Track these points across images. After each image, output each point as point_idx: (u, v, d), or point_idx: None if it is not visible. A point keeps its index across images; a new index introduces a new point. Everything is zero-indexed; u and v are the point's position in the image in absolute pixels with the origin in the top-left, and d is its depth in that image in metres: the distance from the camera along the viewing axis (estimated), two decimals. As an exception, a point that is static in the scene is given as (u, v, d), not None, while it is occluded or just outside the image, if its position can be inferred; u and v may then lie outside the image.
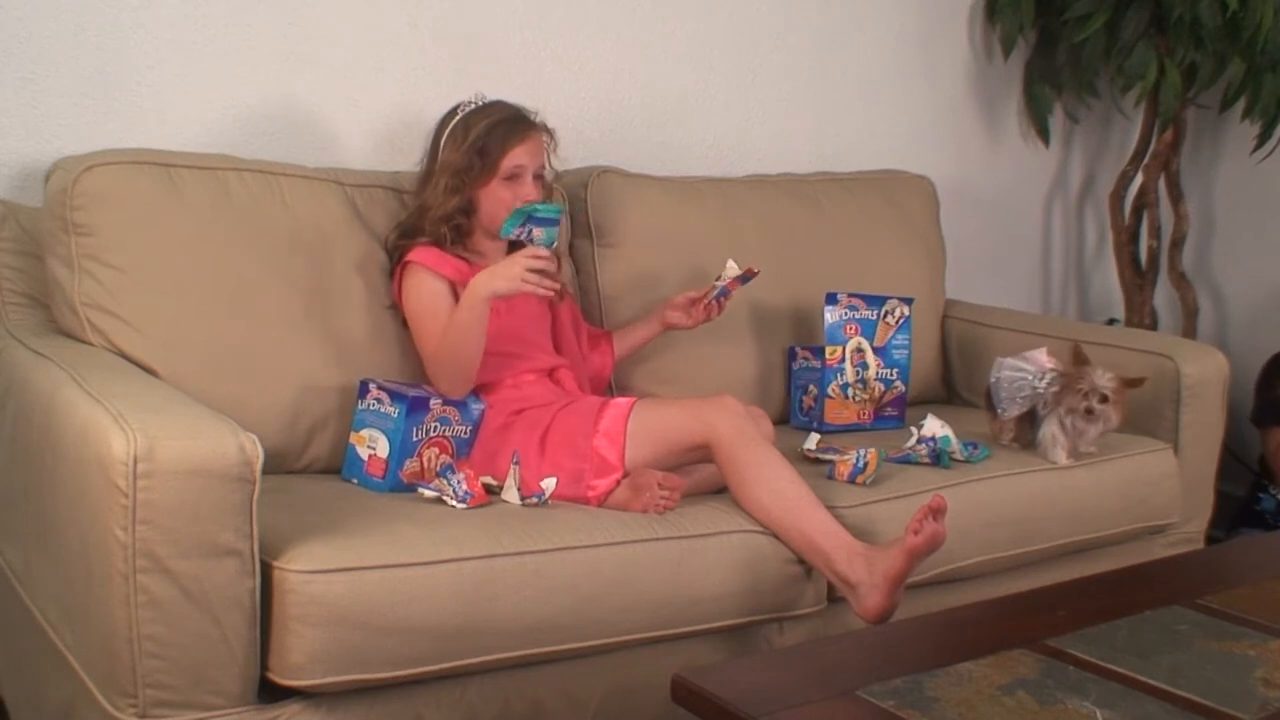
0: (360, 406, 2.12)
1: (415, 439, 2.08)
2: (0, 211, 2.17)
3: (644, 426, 2.09)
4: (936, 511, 1.91)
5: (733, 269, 2.36)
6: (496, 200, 2.23)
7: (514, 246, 2.19)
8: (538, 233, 2.09)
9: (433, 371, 2.18)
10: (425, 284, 2.20)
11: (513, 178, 2.23)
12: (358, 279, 2.26)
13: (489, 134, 2.23)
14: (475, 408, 2.16)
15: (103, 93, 2.30)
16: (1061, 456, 2.38)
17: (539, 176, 2.28)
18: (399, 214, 2.36)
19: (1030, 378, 2.41)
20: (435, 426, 2.10)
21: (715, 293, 2.38)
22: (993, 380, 2.46)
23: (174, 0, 2.35)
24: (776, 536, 2.03)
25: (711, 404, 2.10)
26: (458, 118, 2.27)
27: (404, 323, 2.26)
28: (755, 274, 2.37)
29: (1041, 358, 2.44)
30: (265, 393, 2.11)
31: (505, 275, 2.06)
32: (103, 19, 2.29)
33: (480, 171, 2.22)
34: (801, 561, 2.05)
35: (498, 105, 2.28)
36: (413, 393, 2.08)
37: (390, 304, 2.28)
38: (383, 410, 2.08)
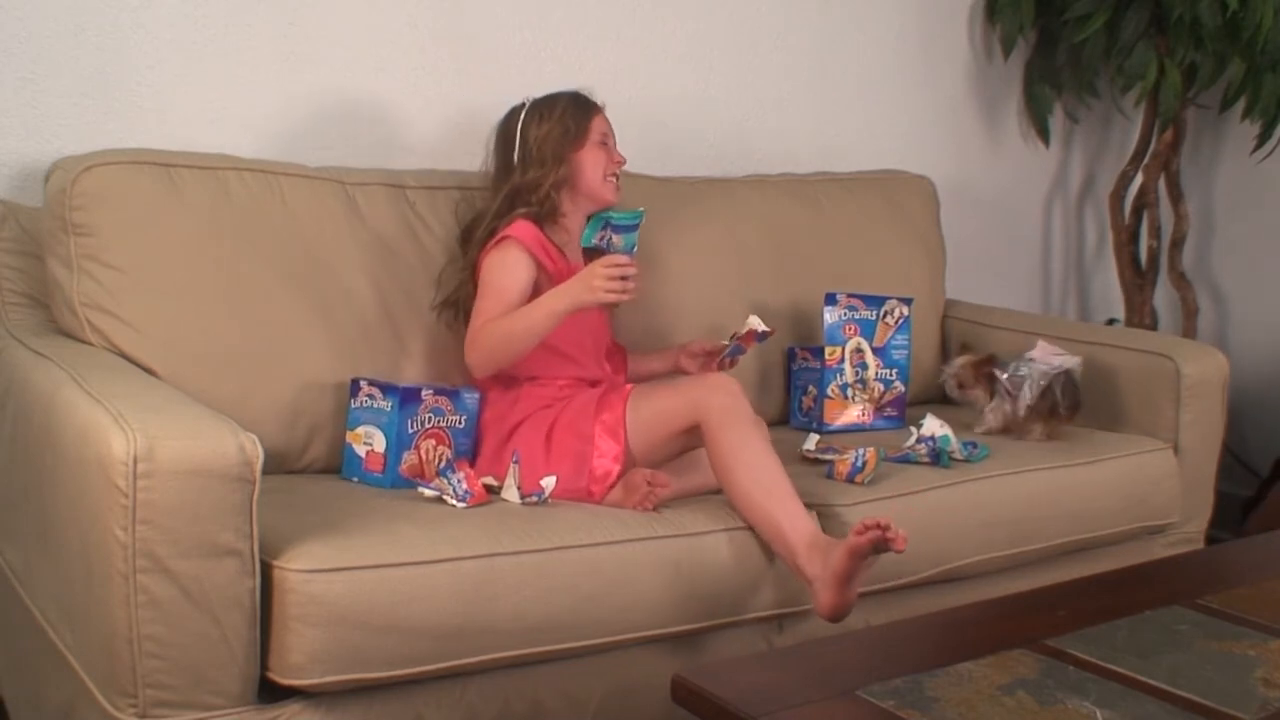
0: (354, 405, 2.13)
1: (411, 430, 2.09)
2: (0, 211, 2.17)
3: (640, 416, 2.08)
4: (882, 527, 1.83)
5: (753, 322, 2.31)
6: (594, 161, 2.25)
7: (590, 254, 2.19)
8: (616, 239, 2.08)
9: (472, 341, 2.16)
10: (512, 260, 2.17)
11: (602, 144, 2.27)
12: (358, 278, 2.26)
13: (570, 108, 2.27)
14: (469, 398, 2.16)
15: (103, 93, 2.30)
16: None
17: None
18: (401, 212, 2.35)
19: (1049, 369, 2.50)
20: (429, 418, 2.10)
21: (729, 350, 2.35)
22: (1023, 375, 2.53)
23: (174, 0, 2.35)
24: (746, 519, 2.01)
25: (703, 382, 2.10)
26: (529, 105, 2.29)
27: (469, 304, 2.24)
28: (771, 334, 2.33)
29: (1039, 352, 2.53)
30: (265, 393, 2.11)
31: (586, 286, 2.04)
32: (103, 19, 2.29)
33: (575, 135, 2.25)
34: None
35: (556, 93, 2.31)
36: (404, 385, 2.10)
37: (442, 301, 2.27)
38: (376, 405, 2.09)
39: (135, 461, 1.54)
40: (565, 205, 2.26)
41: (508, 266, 2.18)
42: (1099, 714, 1.37)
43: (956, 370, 2.62)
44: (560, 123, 2.25)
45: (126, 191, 2.08)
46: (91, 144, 2.22)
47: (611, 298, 2.04)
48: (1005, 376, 2.52)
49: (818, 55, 3.15)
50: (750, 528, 2.02)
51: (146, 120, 2.34)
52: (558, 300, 2.08)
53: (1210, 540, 2.74)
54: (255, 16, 2.43)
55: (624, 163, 2.30)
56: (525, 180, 2.24)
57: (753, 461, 2.02)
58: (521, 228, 2.20)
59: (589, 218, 2.24)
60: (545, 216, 2.23)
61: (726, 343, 2.34)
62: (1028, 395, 2.50)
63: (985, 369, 2.57)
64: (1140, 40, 3.15)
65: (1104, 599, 1.74)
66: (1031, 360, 2.52)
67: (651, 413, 2.09)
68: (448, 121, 2.58)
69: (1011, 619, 1.68)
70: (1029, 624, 1.62)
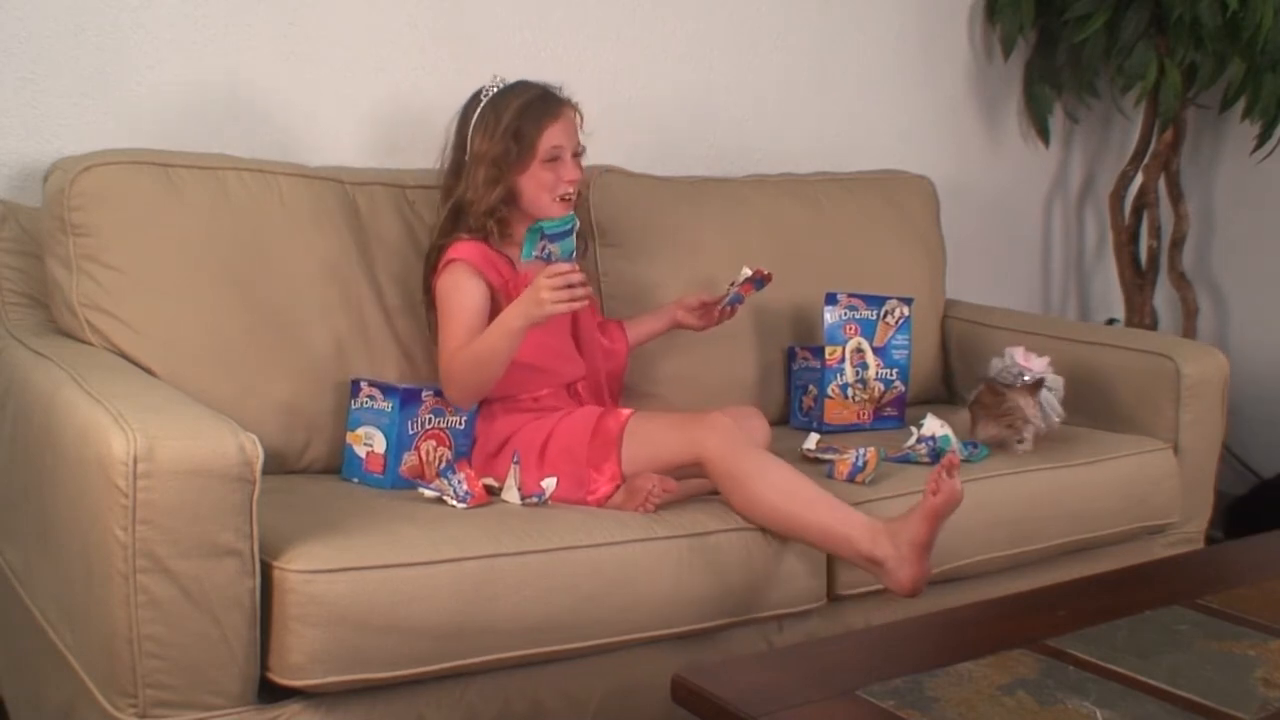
0: (354, 406, 2.13)
1: (411, 431, 2.09)
2: (0, 211, 2.18)
3: (638, 449, 2.07)
4: (951, 468, 1.88)
5: (746, 273, 2.33)
6: (539, 184, 2.17)
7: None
8: (554, 248, 2.05)
9: (446, 375, 2.13)
10: (463, 283, 2.14)
11: (553, 159, 2.18)
12: (358, 278, 2.26)
13: (522, 116, 2.17)
14: None
15: (103, 93, 2.30)
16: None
17: (576, 155, 2.23)
18: (401, 212, 2.36)
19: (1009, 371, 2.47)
20: (430, 419, 2.11)
21: (729, 299, 2.36)
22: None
23: (174, 0, 2.35)
24: (789, 536, 2.02)
25: (700, 423, 2.07)
26: (484, 103, 2.20)
27: (430, 325, 2.24)
28: (769, 278, 2.34)
29: (1018, 354, 2.48)
30: (264, 393, 2.11)
31: (535, 301, 2.01)
32: (103, 19, 2.29)
33: (518, 157, 2.17)
34: (797, 553, 2.04)
35: (524, 85, 2.22)
36: (404, 386, 2.10)
37: (423, 300, 2.25)
38: (376, 406, 2.09)
39: (135, 461, 1.54)
40: (512, 221, 2.20)
41: (461, 288, 2.14)
42: (1099, 714, 1.37)
43: (1019, 405, 2.42)
44: (502, 141, 2.16)
45: (126, 192, 2.08)
46: (91, 144, 2.21)
47: (562, 308, 2.01)
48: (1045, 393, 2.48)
49: (818, 55, 3.15)
50: (786, 536, 2.02)
51: (146, 120, 2.34)
52: (513, 319, 2.04)
53: (1210, 540, 2.74)
54: (255, 16, 2.43)
55: (576, 179, 2.21)
56: (465, 199, 2.19)
57: (777, 481, 2.01)
58: (465, 248, 2.16)
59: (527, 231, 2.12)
60: (488, 234, 2.19)
61: (726, 292, 2.35)
62: (1060, 408, 2.49)
63: (1033, 394, 2.45)
64: (1140, 40, 3.15)
65: (1104, 599, 1.74)
66: (1031, 370, 2.50)
67: (649, 446, 2.08)
68: (448, 122, 2.58)
69: (1011, 619, 1.68)
70: (1029, 624, 1.62)
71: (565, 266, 2.02)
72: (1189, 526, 2.65)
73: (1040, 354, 2.50)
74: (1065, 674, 1.47)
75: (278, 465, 2.03)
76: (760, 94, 3.07)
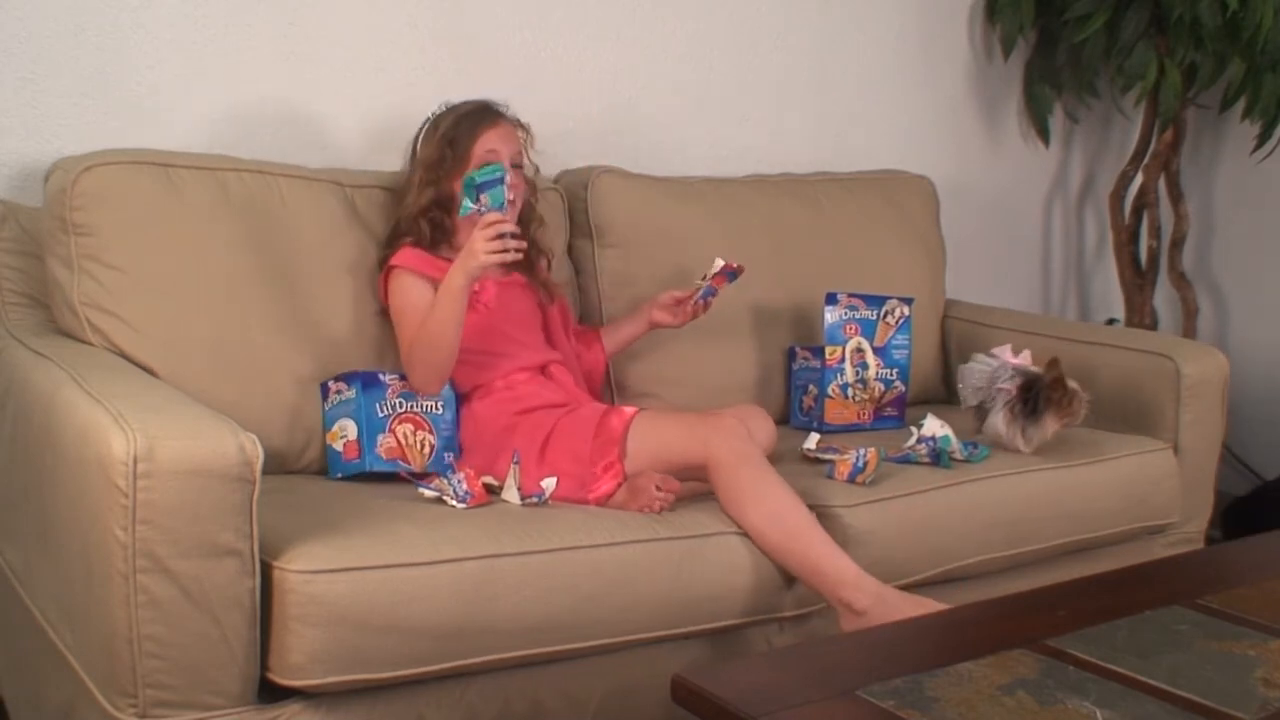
0: (326, 407, 2.15)
1: (382, 414, 2.11)
2: (0, 211, 2.18)
3: (643, 444, 2.08)
4: None
5: (718, 265, 2.35)
6: None
7: None
8: (484, 199, 2.08)
9: (408, 366, 2.17)
10: (407, 285, 2.20)
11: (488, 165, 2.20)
12: (357, 279, 2.26)
13: (457, 125, 2.24)
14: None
15: (103, 93, 2.30)
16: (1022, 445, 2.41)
17: (517, 166, 2.26)
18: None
19: (991, 371, 2.44)
20: (400, 402, 2.13)
21: (701, 292, 2.37)
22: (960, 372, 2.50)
23: (174, 0, 2.35)
24: (772, 559, 2.01)
25: (709, 423, 2.08)
26: (428, 120, 2.28)
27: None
28: (741, 270, 2.35)
29: (1006, 354, 2.47)
30: (265, 393, 2.11)
31: (470, 254, 2.05)
32: (103, 19, 2.29)
33: (453, 163, 2.22)
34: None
35: (467, 101, 2.29)
36: (365, 371, 2.14)
37: (378, 309, 2.27)
38: (344, 397, 2.13)
39: (135, 461, 1.54)
40: (447, 226, 2.24)
41: (406, 290, 2.19)
42: (1099, 714, 1.37)
43: (1076, 387, 2.41)
44: (439, 147, 2.23)
45: (126, 191, 2.09)
46: (91, 144, 2.21)
47: (495, 258, 2.05)
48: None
49: (818, 55, 3.15)
50: (769, 558, 2.01)
51: (146, 120, 2.34)
52: (453, 278, 2.08)
53: (1210, 540, 2.74)
54: (255, 16, 2.43)
55: (515, 186, 2.21)
56: (406, 208, 2.24)
57: (772, 502, 2.01)
58: (404, 255, 2.21)
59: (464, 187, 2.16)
60: (421, 236, 2.23)
61: (700, 283, 2.36)
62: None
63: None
64: (1140, 40, 3.15)
65: (1104, 599, 1.74)
66: (1027, 365, 2.49)
67: (655, 444, 2.08)
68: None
69: (1011, 619, 1.68)
70: (1029, 624, 1.62)
71: (495, 216, 2.07)
72: (1189, 527, 2.65)
73: (1018, 352, 2.50)
74: (1065, 674, 1.47)
75: (278, 465, 2.04)
76: (760, 94, 3.07)
